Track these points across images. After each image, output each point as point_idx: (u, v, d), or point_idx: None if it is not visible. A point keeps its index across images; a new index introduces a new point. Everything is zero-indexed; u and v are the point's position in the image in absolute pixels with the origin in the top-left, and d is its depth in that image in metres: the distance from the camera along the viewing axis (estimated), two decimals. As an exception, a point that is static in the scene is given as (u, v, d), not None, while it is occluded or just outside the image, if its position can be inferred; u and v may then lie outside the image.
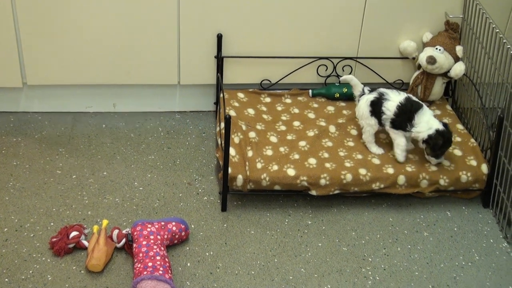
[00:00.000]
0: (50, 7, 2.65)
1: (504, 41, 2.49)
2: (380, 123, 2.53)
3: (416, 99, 2.50)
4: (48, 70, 2.78)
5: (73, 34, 2.71)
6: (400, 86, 2.96)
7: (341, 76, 2.83)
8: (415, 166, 2.51)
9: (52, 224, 2.35)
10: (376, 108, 2.51)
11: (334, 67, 2.89)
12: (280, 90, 2.91)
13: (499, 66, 2.55)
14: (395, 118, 2.48)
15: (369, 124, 2.54)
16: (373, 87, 2.59)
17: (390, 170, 2.49)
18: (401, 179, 2.48)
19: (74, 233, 2.24)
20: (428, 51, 2.78)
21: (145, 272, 2.06)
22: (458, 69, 2.76)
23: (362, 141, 2.61)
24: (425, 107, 2.48)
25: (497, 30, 2.56)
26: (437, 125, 2.44)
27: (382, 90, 2.53)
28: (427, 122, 2.45)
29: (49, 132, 2.81)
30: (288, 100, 2.87)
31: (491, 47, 2.61)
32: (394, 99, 2.49)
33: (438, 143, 2.43)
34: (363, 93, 2.57)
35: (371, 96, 2.53)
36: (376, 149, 2.57)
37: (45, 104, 2.92)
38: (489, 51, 2.63)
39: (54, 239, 2.24)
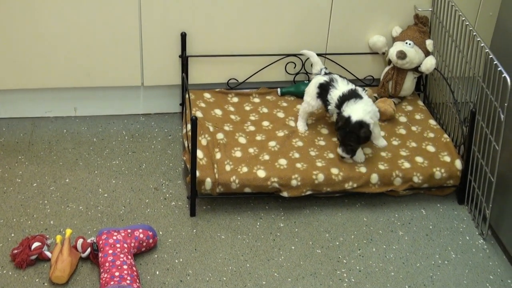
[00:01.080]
0: (5, 8, 2.62)
1: (474, 33, 2.52)
2: (327, 110, 2.58)
3: (362, 93, 2.50)
4: (4, 74, 2.75)
5: (30, 36, 2.69)
6: (370, 82, 2.98)
7: (310, 74, 2.85)
8: (388, 164, 2.53)
9: (12, 235, 2.32)
10: (323, 92, 2.55)
11: (303, 64, 2.90)
12: (248, 90, 2.90)
13: (470, 60, 2.58)
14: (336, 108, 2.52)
15: (310, 103, 2.59)
16: (334, 73, 2.61)
17: (363, 169, 2.50)
18: (374, 177, 2.50)
19: (36, 244, 2.22)
20: (398, 46, 2.80)
21: (112, 282, 2.04)
22: (429, 63, 2.79)
23: (334, 139, 2.63)
24: (365, 100, 2.46)
25: (467, 23, 2.59)
26: (357, 116, 2.41)
27: (335, 76, 2.56)
28: (353, 111, 2.43)
29: (7, 139, 2.77)
30: (257, 100, 2.87)
31: (461, 40, 2.64)
32: (339, 89, 2.51)
33: (339, 125, 2.42)
34: (319, 73, 2.61)
35: (322, 79, 2.57)
36: (302, 126, 2.62)
37: (2, 110, 2.88)
38: (460, 45, 2.66)
39: (16, 251, 2.22)
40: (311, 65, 2.66)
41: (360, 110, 2.43)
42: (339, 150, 2.49)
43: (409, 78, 2.85)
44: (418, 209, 2.56)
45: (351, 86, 2.53)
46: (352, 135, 2.43)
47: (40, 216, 2.41)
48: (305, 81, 2.91)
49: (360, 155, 2.52)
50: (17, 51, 2.71)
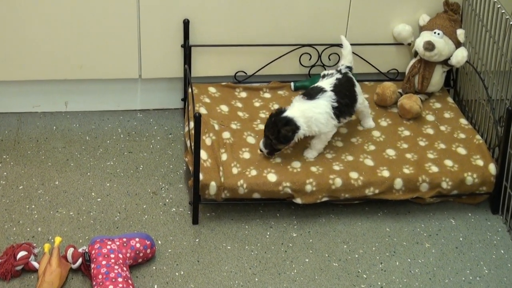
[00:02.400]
0: (-12, -9, 2.62)
1: (511, 23, 2.51)
2: None
3: (325, 96, 2.46)
4: (-13, 64, 2.76)
5: (15, 22, 2.68)
6: (394, 76, 2.97)
7: (328, 66, 2.83)
8: (414, 167, 2.51)
9: (-5, 243, 2.32)
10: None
11: (319, 56, 2.89)
12: (257, 83, 2.89)
13: (506, 52, 2.56)
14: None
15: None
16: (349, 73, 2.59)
17: (386, 173, 2.49)
18: (398, 183, 2.48)
19: (22, 253, 2.22)
20: (426, 36, 2.78)
21: (105, 298, 2.03)
22: (460, 55, 2.77)
23: (353, 140, 2.61)
24: (319, 104, 2.43)
25: (503, 11, 2.58)
26: (292, 113, 2.40)
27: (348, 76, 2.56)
28: (294, 106, 2.44)
29: (-10, 136, 2.78)
30: (267, 95, 2.86)
31: (496, 30, 2.62)
32: (321, 82, 2.55)
33: (271, 112, 2.45)
34: (330, 73, 2.56)
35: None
36: None
37: (-15, 104, 2.89)
38: (495, 35, 2.64)
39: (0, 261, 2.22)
40: (340, 57, 2.59)
41: (300, 110, 2.43)
42: (260, 142, 2.47)
43: (438, 72, 2.83)
44: (447, 218, 2.54)
45: (325, 83, 2.50)
46: (274, 127, 2.41)
47: (27, 222, 2.40)
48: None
49: (312, 152, 2.51)
50: (2, 41, 2.70)
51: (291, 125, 2.41)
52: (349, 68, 2.60)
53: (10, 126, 2.84)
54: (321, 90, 2.49)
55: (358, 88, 2.59)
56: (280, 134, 2.40)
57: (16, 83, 2.85)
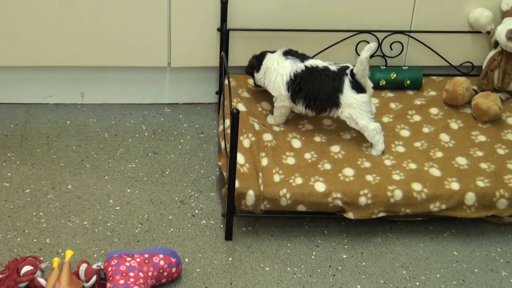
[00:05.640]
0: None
1: None
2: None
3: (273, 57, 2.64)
4: (-7, 48, 2.81)
5: (25, 1, 2.71)
6: (469, 70, 2.95)
7: (388, 57, 2.83)
8: (490, 180, 2.50)
9: (-3, 255, 2.36)
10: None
11: (379, 44, 2.89)
12: (306, 75, 2.91)
13: None
14: None
15: None
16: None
17: (455, 186, 2.48)
18: (470, 197, 2.47)
19: (27, 268, 2.23)
20: (510, 23, 2.77)
21: (122, 323, 2.06)
22: (551, 48, 2.76)
23: (417, 145, 2.61)
24: (292, 62, 2.59)
25: None
26: (272, 57, 2.63)
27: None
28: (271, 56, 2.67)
29: (-6, 131, 2.83)
30: (317, 89, 2.88)
31: None
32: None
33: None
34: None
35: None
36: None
37: (-11, 93, 2.95)
38: None
39: (0, 276, 2.23)
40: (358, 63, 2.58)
41: (273, 59, 2.63)
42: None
43: (523, 66, 2.82)
44: (528, 242, 2.53)
45: (319, 62, 2.61)
46: (253, 57, 2.72)
47: (33, 232, 2.43)
48: (382, 67, 2.89)
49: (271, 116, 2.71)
50: (11, 22, 2.75)
51: (255, 62, 2.68)
52: (352, 73, 2.53)
53: (17, 119, 2.88)
54: (302, 58, 2.62)
55: (345, 96, 2.53)
56: (248, 62, 2.73)
57: (25, 69, 2.89)
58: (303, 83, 2.56)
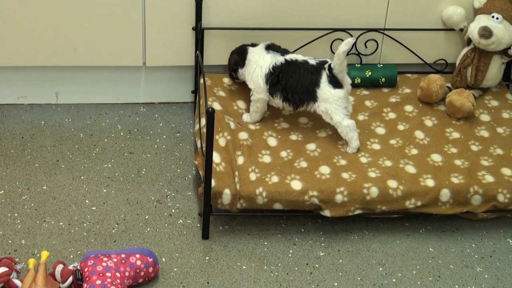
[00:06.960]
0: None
1: None
2: None
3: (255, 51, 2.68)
4: (-34, 48, 2.79)
5: (0, 2, 2.70)
6: (442, 67, 2.96)
7: (362, 55, 2.83)
8: (464, 176, 2.52)
9: (-28, 257, 2.35)
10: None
11: (354, 42, 2.89)
12: (281, 74, 2.91)
13: None
14: None
15: None
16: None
17: (430, 182, 2.49)
18: (445, 194, 2.48)
19: (2, 270, 2.22)
20: (482, 21, 2.78)
21: (99, 323, 2.06)
22: (522, 44, 2.77)
23: (392, 142, 2.62)
24: (272, 55, 2.62)
25: None
26: (255, 50, 2.67)
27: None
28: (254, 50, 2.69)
29: (-32, 132, 2.81)
30: (292, 87, 2.88)
31: None
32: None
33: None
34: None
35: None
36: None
37: (-38, 94, 2.92)
38: None
39: (-24, 278, 2.24)
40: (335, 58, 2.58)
41: (255, 53, 2.66)
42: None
43: (495, 63, 2.83)
44: (503, 238, 2.54)
45: (298, 56, 2.64)
46: (233, 50, 2.75)
47: (8, 233, 2.42)
48: (357, 64, 2.90)
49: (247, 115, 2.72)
50: (-17, 19, 2.74)
51: (239, 59, 2.69)
52: (330, 68, 2.55)
53: (-8, 120, 2.87)
54: (284, 52, 2.64)
55: (321, 90, 2.54)
56: (229, 57, 2.75)
57: (-1, 70, 2.88)
58: (282, 75, 2.58)
